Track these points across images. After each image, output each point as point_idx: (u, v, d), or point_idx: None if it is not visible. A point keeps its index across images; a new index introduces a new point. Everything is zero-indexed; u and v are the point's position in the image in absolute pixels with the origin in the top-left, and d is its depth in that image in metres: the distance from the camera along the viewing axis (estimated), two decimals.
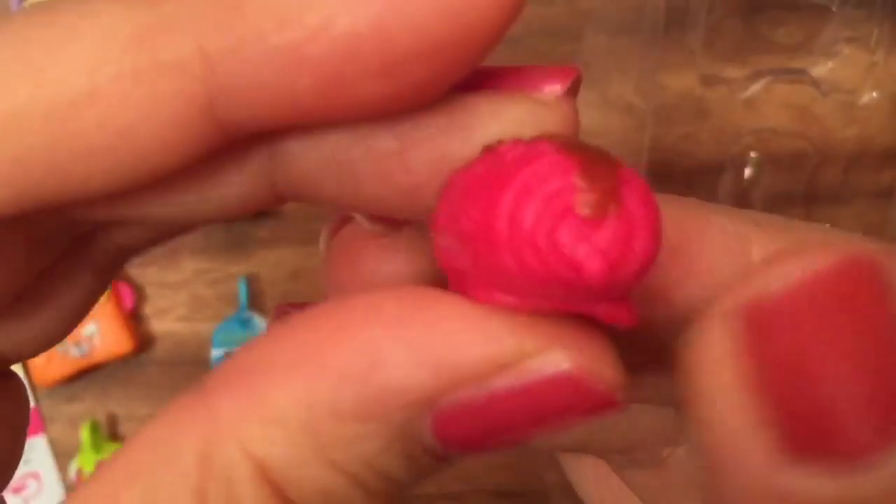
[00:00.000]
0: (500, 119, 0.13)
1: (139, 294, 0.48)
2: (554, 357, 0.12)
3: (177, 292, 0.48)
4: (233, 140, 0.13)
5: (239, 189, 0.14)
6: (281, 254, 0.47)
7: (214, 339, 0.47)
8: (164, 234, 0.16)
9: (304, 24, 0.11)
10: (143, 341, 0.48)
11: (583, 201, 0.11)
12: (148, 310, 0.48)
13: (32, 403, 0.45)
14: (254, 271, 0.47)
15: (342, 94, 0.12)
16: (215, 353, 0.47)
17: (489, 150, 0.12)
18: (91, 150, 0.12)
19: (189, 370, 0.48)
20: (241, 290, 0.47)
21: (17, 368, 0.43)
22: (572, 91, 0.13)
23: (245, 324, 0.47)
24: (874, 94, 0.42)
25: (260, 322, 0.47)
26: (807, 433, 0.10)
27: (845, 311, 0.10)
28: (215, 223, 0.14)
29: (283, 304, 0.17)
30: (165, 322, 0.48)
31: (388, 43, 0.11)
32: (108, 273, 0.17)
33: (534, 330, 0.12)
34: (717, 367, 0.11)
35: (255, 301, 0.47)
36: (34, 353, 0.16)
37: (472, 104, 0.13)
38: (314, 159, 0.14)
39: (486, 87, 0.13)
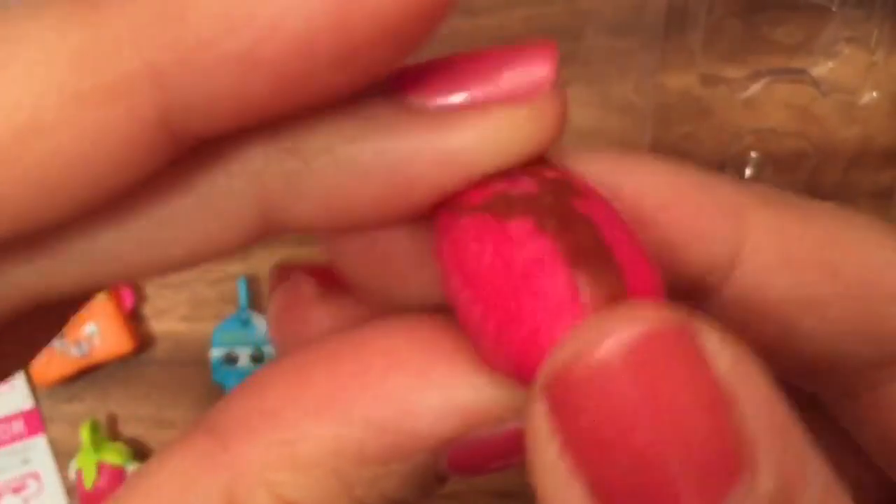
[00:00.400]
0: (487, 139, 0.12)
1: (139, 294, 0.48)
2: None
3: (177, 292, 0.48)
4: (193, 149, 0.12)
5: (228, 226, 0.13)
6: (281, 254, 0.47)
7: (214, 338, 0.47)
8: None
9: (256, 26, 0.11)
10: (143, 341, 0.48)
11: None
12: (148, 310, 0.48)
13: (32, 404, 0.45)
14: (254, 271, 0.47)
15: (299, 90, 0.11)
16: (215, 352, 0.47)
17: (483, 188, 0.12)
18: (43, 182, 0.11)
19: (189, 370, 0.48)
20: (241, 290, 0.47)
21: None
22: (557, 76, 0.13)
23: (245, 324, 0.47)
24: (874, 94, 0.42)
25: (260, 322, 0.47)
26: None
27: (657, 379, 0.10)
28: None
29: (284, 266, 0.16)
30: (165, 322, 0.48)
31: (344, 33, 0.11)
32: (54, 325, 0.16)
33: None
34: (542, 443, 0.11)
35: (255, 301, 0.47)
36: None
37: (457, 124, 0.12)
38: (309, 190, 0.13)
39: (468, 86, 0.13)
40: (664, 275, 0.12)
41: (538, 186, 0.12)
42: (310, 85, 0.11)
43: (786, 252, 0.14)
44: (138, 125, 0.11)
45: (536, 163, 0.13)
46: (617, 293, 0.11)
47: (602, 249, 0.11)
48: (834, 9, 0.42)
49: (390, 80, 0.13)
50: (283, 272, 0.16)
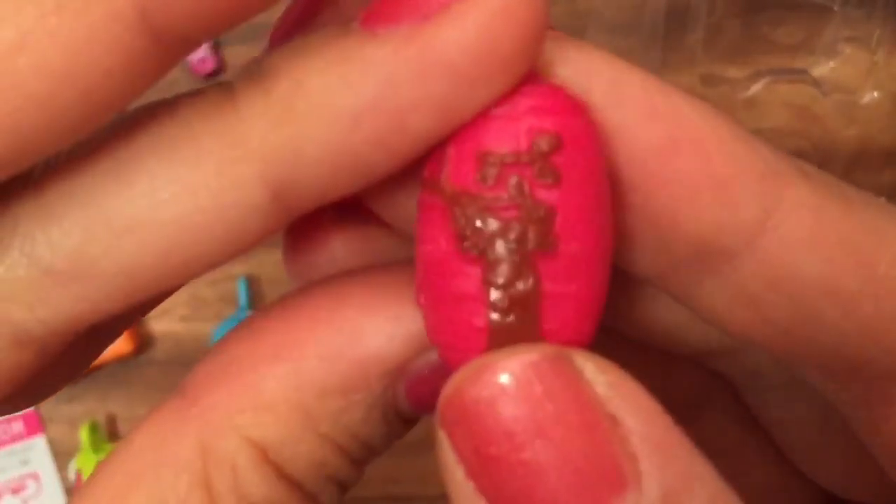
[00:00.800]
0: (464, 39, 0.12)
1: None
2: None
3: (177, 292, 0.48)
4: (175, 47, 0.12)
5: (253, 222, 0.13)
6: (281, 254, 0.47)
7: (214, 339, 0.47)
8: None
9: None
10: (143, 342, 0.48)
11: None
12: None
13: None
14: (254, 271, 0.47)
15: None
16: None
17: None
18: (32, 96, 0.11)
19: (188, 370, 0.47)
20: (241, 291, 0.47)
21: None
22: None
23: None
24: (875, 93, 0.42)
25: None
26: None
27: (537, 404, 0.11)
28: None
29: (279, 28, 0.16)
30: (165, 322, 0.48)
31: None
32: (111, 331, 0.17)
33: None
34: (450, 467, 0.12)
35: (255, 301, 0.47)
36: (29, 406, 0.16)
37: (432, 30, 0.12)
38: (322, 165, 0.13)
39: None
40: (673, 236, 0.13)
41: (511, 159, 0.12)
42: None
43: (819, 232, 0.13)
44: (119, 26, 0.11)
45: (528, 82, 0.12)
46: (524, 338, 0.12)
47: (529, 301, 0.12)
48: (835, 8, 0.42)
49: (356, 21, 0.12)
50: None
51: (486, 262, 0.12)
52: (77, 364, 0.16)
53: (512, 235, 0.12)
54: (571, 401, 0.11)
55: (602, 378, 0.11)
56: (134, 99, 0.12)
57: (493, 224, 0.12)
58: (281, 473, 0.13)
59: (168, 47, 0.12)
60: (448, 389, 0.12)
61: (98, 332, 0.15)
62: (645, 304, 0.16)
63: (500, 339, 0.12)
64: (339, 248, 0.16)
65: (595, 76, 0.12)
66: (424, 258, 0.12)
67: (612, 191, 0.12)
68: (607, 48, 0.13)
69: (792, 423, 0.17)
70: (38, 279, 0.13)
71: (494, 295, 0.12)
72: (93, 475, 0.13)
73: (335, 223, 0.16)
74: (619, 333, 0.16)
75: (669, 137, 0.12)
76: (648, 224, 0.13)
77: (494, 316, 0.12)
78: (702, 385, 0.18)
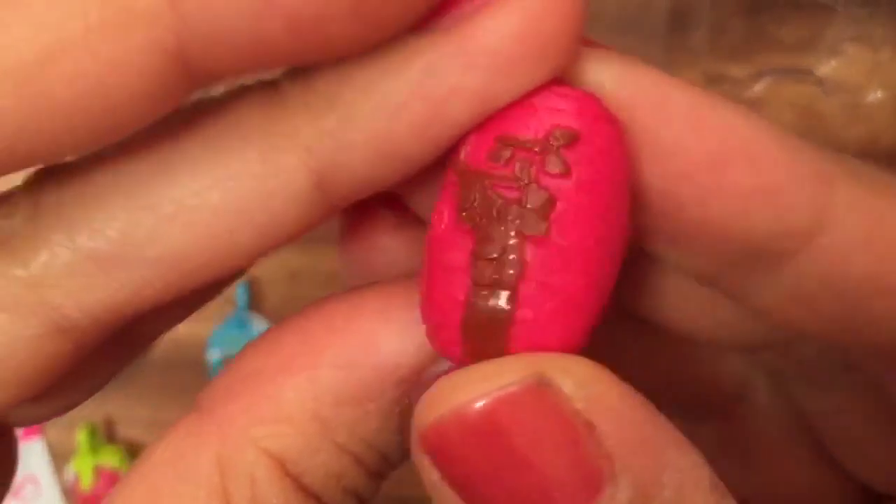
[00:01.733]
0: (500, 36, 0.12)
1: None
2: None
3: None
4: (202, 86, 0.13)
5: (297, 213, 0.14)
6: (280, 255, 0.47)
7: (212, 340, 0.47)
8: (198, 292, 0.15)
9: None
10: None
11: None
12: None
13: None
14: (253, 272, 0.47)
15: (313, 37, 0.12)
16: (213, 354, 0.46)
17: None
18: (59, 106, 0.12)
19: (187, 372, 0.47)
20: (240, 292, 0.47)
21: None
22: None
23: (243, 325, 0.46)
24: (879, 93, 0.42)
25: (258, 323, 0.47)
26: None
27: (517, 427, 0.12)
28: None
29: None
30: None
31: None
32: (142, 340, 0.17)
33: None
34: (437, 489, 0.12)
35: (255, 302, 0.47)
36: (48, 419, 0.17)
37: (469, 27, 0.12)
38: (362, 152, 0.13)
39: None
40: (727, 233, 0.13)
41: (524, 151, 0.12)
42: (325, 31, 0.12)
43: (871, 231, 0.13)
44: (156, 56, 0.12)
45: (563, 85, 0.13)
46: (496, 323, 0.12)
47: (510, 282, 0.12)
48: (839, 8, 0.42)
49: None
50: (361, 212, 0.17)
51: (478, 236, 0.12)
52: (119, 360, 0.17)
53: (507, 214, 0.12)
54: (553, 424, 0.12)
55: (581, 393, 0.12)
56: (151, 120, 0.12)
57: (493, 200, 0.12)
58: (299, 486, 0.13)
59: (195, 80, 0.12)
60: (425, 416, 0.12)
61: (141, 328, 0.16)
62: (692, 299, 0.16)
63: (475, 317, 0.12)
64: (397, 250, 0.16)
65: (642, 92, 0.13)
66: (429, 235, 0.13)
67: (630, 201, 0.13)
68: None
69: (838, 415, 0.17)
70: (81, 265, 0.13)
71: (478, 268, 0.12)
72: (113, 492, 0.13)
73: (394, 226, 0.16)
74: (663, 326, 0.17)
75: (719, 151, 0.13)
76: (701, 232, 0.13)
77: (474, 291, 0.12)
78: (745, 377, 0.18)
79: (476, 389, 0.12)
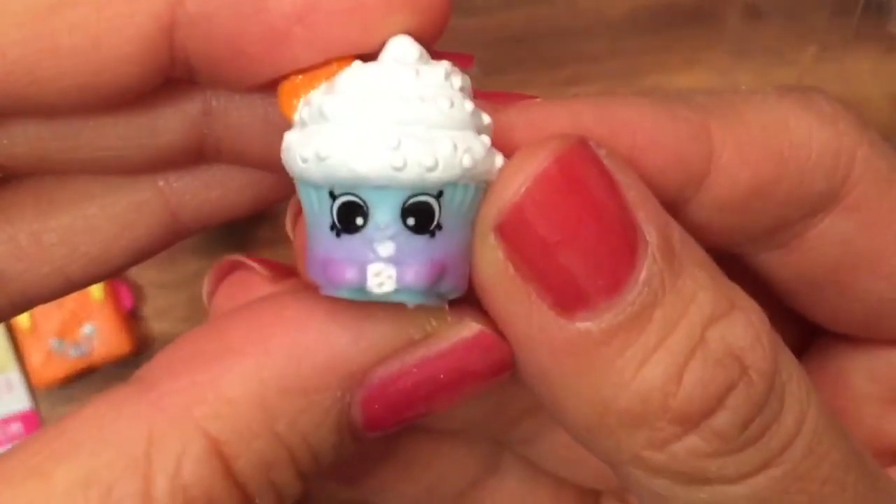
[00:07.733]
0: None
1: (138, 294, 0.48)
2: (468, 325, 0.15)
3: (176, 292, 0.48)
4: (176, 78, 0.14)
5: (172, 137, 0.15)
6: (281, 254, 0.47)
7: None
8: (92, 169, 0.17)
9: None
10: (142, 342, 0.48)
11: None
12: (147, 310, 0.48)
13: (31, 405, 0.45)
14: None
15: (292, 45, 0.13)
16: None
17: None
18: (59, 50, 0.13)
19: None
20: None
21: (13, 370, 0.43)
22: None
23: None
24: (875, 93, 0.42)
25: None
26: (568, 295, 0.14)
27: (570, 194, 0.14)
28: (144, 173, 0.17)
29: (232, 260, 0.19)
30: (165, 322, 0.48)
31: None
32: None
33: (437, 312, 0.15)
34: (501, 271, 0.14)
35: None
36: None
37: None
38: (245, 115, 0.15)
39: None
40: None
41: None
42: (307, 36, 0.13)
43: (742, 150, 0.16)
44: (150, 24, 0.13)
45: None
46: None
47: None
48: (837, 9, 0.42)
49: None
50: (232, 264, 0.19)
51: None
52: None
53: None
54: (600, 173, 0.14)
55: (603, 151, 0.14)
56: (125, 98, 0.14)
57: None
58: (228, 470, 0.13)
59: (174, 63, 0.13)
60: (499, 200, 0.14)
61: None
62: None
63: None
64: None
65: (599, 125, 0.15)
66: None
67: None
68: (607, 48, 0.14)
69: (792, 263, 0.19)
70: None
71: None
72: (34, 435, 0.14)
73: (271, 281, 0.18)
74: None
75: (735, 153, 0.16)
76: (723, 215, 0.16)
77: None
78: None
79: (547, 147, 0.14)
